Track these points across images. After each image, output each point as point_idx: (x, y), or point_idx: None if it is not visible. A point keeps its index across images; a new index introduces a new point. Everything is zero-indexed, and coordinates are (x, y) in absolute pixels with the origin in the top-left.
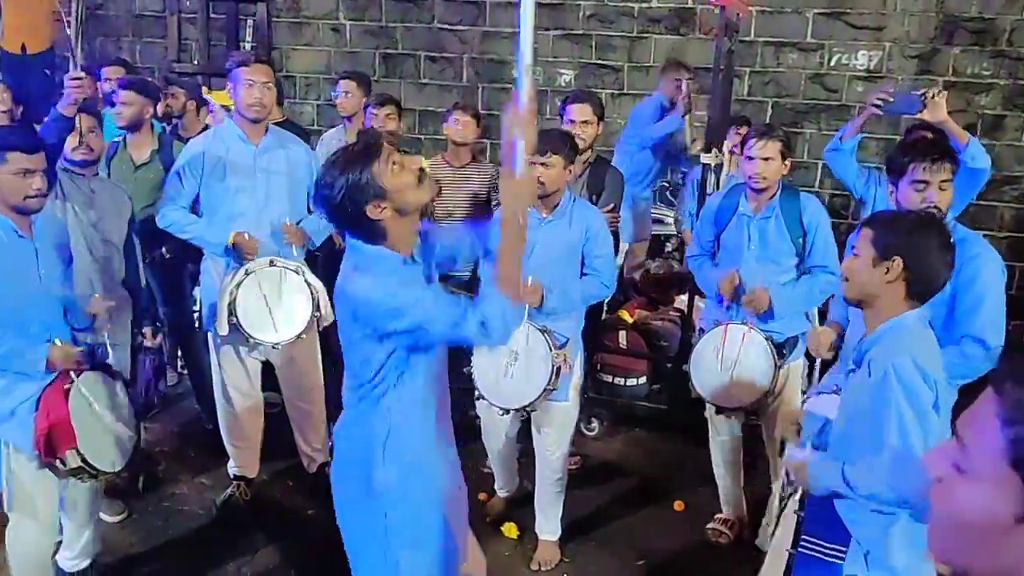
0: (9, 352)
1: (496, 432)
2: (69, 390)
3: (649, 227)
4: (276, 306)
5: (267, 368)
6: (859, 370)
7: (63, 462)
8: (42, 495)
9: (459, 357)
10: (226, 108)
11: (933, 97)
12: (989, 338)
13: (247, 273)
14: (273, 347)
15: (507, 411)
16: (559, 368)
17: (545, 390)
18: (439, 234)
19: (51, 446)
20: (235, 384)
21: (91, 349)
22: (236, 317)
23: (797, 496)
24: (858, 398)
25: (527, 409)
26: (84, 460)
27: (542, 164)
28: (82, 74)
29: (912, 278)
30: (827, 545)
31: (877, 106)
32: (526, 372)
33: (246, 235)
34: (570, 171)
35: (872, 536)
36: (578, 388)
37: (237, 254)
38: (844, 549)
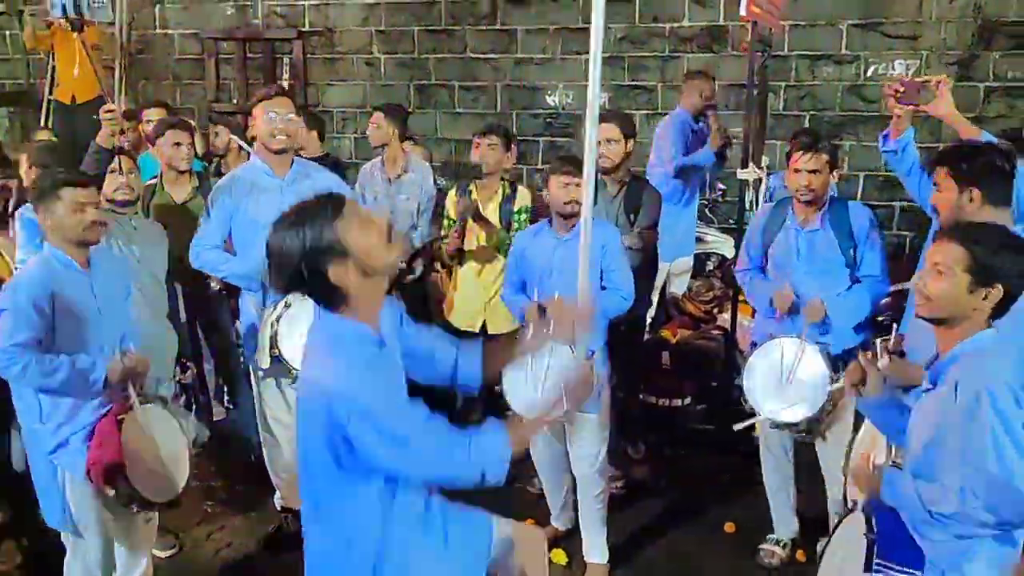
0: (67, 379)
1: (541, 451)
2: (123, 420)
3: (690, 246)
4: None
5: None
6: (936, 390)
7: (116, 491)
8: (97, 523)
9: None
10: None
11: (938, 86)
12: None
13: (287, 306)
14: None
15: None
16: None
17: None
18: (418, 332)
19: (102, 475)
20: (277, 417)
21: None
22: (279, 350)
23: (858, 515)
24: (939, 420)
25: (558, 422)
26: (134, 490)
27: (577, 185)
28: (114, 107)
29: (1007, 302)
30: (901, 569)
31: (893, 96)
32: (554, 383)
33: None
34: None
35: (949, 557)
36: (608, 402)
37: (271, 288)
38: (918, 573)
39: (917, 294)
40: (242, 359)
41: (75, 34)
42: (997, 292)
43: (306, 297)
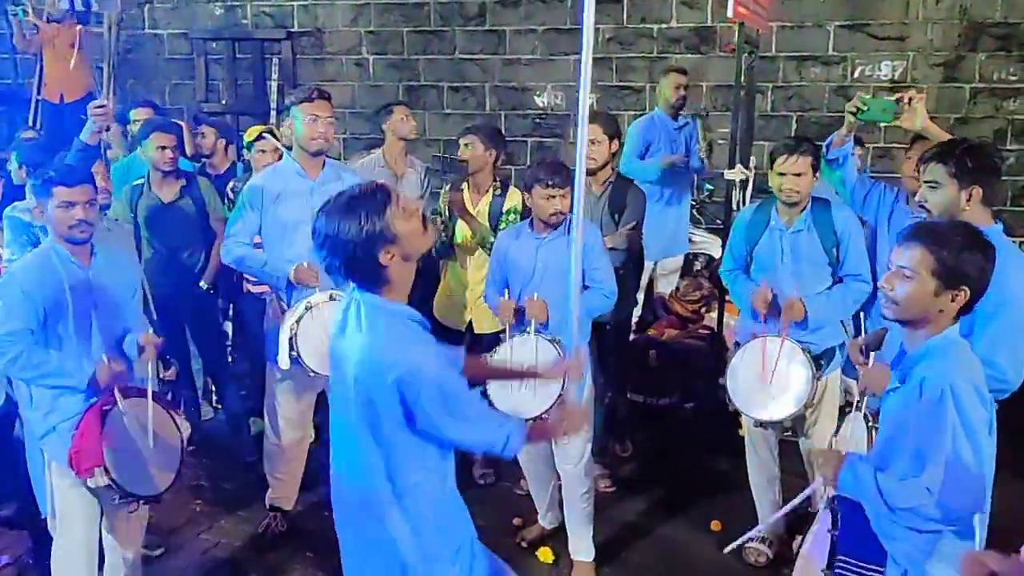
0: (57, 369)
1: (531, 452)
2: (109, 411)
3: (680, 245)
4: None
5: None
6: (903, 387)
7: (95, 482)
8: (81, 513)
9: None
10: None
11: (910, 102)
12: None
13: (307, 308)
14: None
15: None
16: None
17: (560, 396)
18: None
19: (82, 464)
20: (288, 417)
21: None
22: (297, 351)
23: (824, 510)
24: (904, 415)
25: (543, 417)
26: (113, 480)
27: (562, 196)
28: (105, 102)
29: (972, 302)
30: (863, 565)
31: (852, 113)
32: (540, 382)
33: (307, 264)
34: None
35: (911, 554)
36: (590, 400)
37: (298, 287)
38: (881, 569)
39: (883, 297)
40: (230, 359)
41: (79, 26)
42: (964, 294)
43: (331, 298)
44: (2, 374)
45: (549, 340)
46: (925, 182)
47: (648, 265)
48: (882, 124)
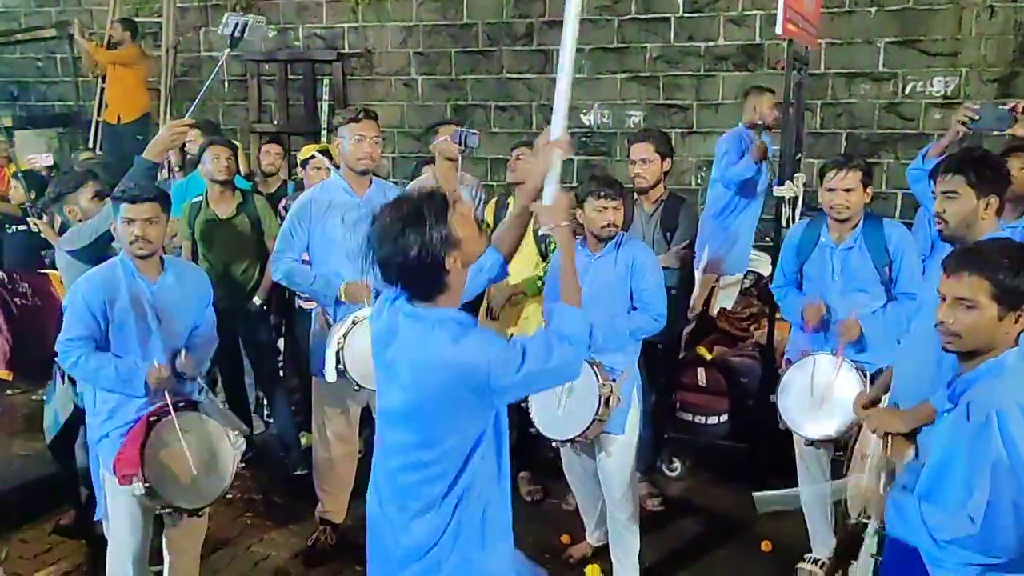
0: (115, 375)
1: (573, 467)
2: (156, 422)
3: (744, 262)
4: None
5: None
6: (955, 410)
7: (135, 489)
8: (129, 518)
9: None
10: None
11: (1020, 111)
12: None
13: (354, 322)
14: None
15: (563, 443)
16: (607, 398)
17: (594, 420)
18: None
19: (121, 470)
20: (336, 431)
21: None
22: (344, 365)
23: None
24: (953, 441)
25: (578, 440)
26: (150, 489)
27: (614, 208)
28: (190, 122)
29: None
30: None
31: (963, 123)
32: (577, 404)
33: (359, 281)
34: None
35: None
36: (638, 422)
37: (346, 304)
38: None
39: (943, 332)
40: (280, 373)
41: (227, 52)
42: None
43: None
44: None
45: (588, 362)
46: (942, 192)
47: (710, 279)
48: (995, 132)
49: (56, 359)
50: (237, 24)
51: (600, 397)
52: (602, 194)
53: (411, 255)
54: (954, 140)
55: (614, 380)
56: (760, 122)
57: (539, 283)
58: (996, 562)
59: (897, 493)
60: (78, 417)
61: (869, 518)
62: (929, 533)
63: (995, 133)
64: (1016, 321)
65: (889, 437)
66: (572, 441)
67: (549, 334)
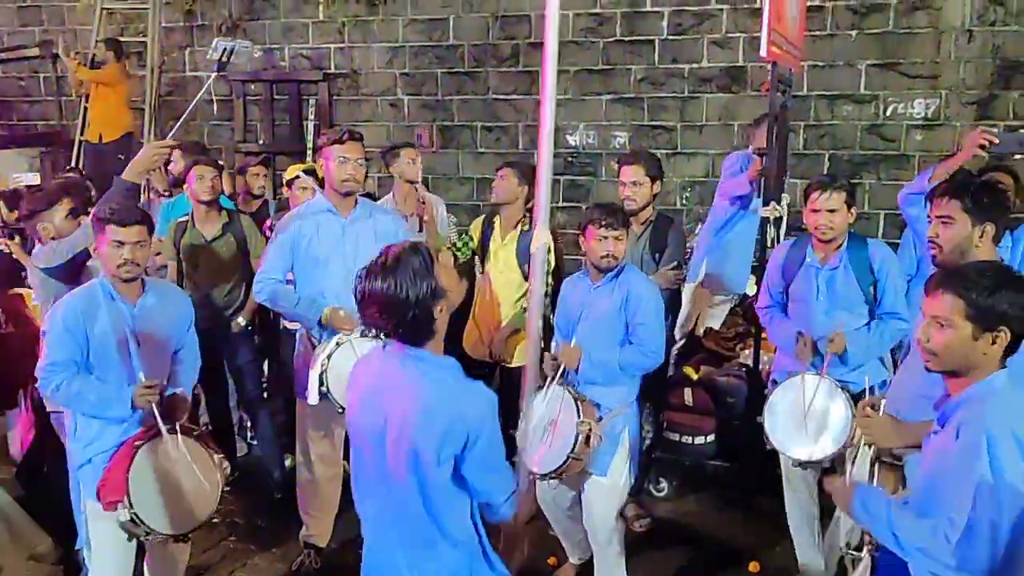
0: (98, 399)
1: (546, 501)
2: (140, 446)
3: (735, 281)
4: None
5: None
6: (943, 432)
7: (119, 515)
8: (111, 546)
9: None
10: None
11: None
12: None
13: (338, 344)
14: None
15: (539, 476)
16: (587, 436)
17: (569, 457)
18: None
19: (106, 495)
20: (320, 453)
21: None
22: (327, 387)
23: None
24: (939, 461)
25: (551, 476)
26: (135, 515)
27: (615, 238)
28: (171, 143)
29: (1014, 341)
30: None
31: (983, 147)
32: (558, 438)
33: (341, 312)
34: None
35: None
36: (625, 466)
37: (330, 328)
38: None
39: (922, 350)
40: (264, 395)
41: (213, 75)
42: (1004, 335)
43: (364, 337)
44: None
45: (574, 397)
46: (937, 217)
47: (705, 294)
48: (1017, 156)
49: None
50: (225, 49)
51: (578, 435)
52: (603, 223)
53: (407, 311)
54: (965, 162)
55: (600, 417)
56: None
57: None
58: None
59: (864, 487)
60: (42, 443)
61: (859, 548)
62: (892, 531)
63: (1017, 157)
64: (993, 342)
65: (877, 465)
66: (549, 476)
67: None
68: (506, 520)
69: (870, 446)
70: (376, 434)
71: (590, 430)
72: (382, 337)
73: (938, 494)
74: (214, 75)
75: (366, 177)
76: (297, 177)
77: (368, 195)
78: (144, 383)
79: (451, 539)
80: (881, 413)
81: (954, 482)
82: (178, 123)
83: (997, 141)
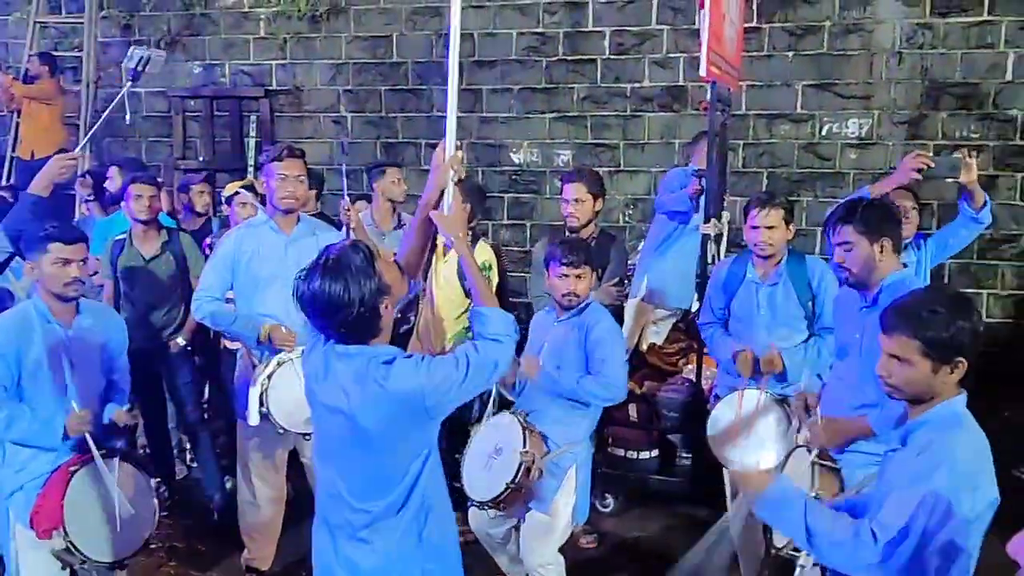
0: (31, 426)
1: (482, 529)
2: (75, 472)
3: (677, 297)
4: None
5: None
6: (903, 451)
7: (54, 544)
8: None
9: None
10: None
11: (965, 159)
12: None
13: (279, 364)
14: (305, 437)
15: (476, 504)
16: (527, 468)
17: (507, 487)
18: None
19: (41, 523)
20: (262, 475)
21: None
22: (267, 407)
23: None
24: (897, 479)
25: (488, 505)
26: (71, 544)
27: (576, 276)
28: (77, 155)
29: (971, 367)
30: None
31: (920, 171)
32: (501, 466)
33: (283, 328)
34: (594, 278)
35: None
36: (567, 507)
37: (271, 346)
38: None
39: (883, 382)
40: (204, 416)
41: (128, 83)
42: (963, 365)
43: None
44: None
45: (523, 427)
46: (838, 244)
47: (646, 308)
48: (948, 179)
49: None
50: (141, 58)
51: (520, 464)
52: (563, 261)
53: (352, 310)
54: (901, 184)
55: (548, 451)
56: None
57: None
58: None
59: (784, 479)
60: None
61: (797, 550)
62: (805, 519)
63: (948, 180)
64: (952, 371)
65: (816, 468)
66: (487, 505)
67: (476, 338)
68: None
69: (809, 450)
70: (323, 430)
71: (532, 461)
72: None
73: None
74: (128, 85)
75: (319, 197)
76: (237, 193)
77: (320, 215)
78: (78, 412)
79: (403, 523)
80: (818, 415)
81: (902, 490)
82: (87, 136)
83: (933, 165)
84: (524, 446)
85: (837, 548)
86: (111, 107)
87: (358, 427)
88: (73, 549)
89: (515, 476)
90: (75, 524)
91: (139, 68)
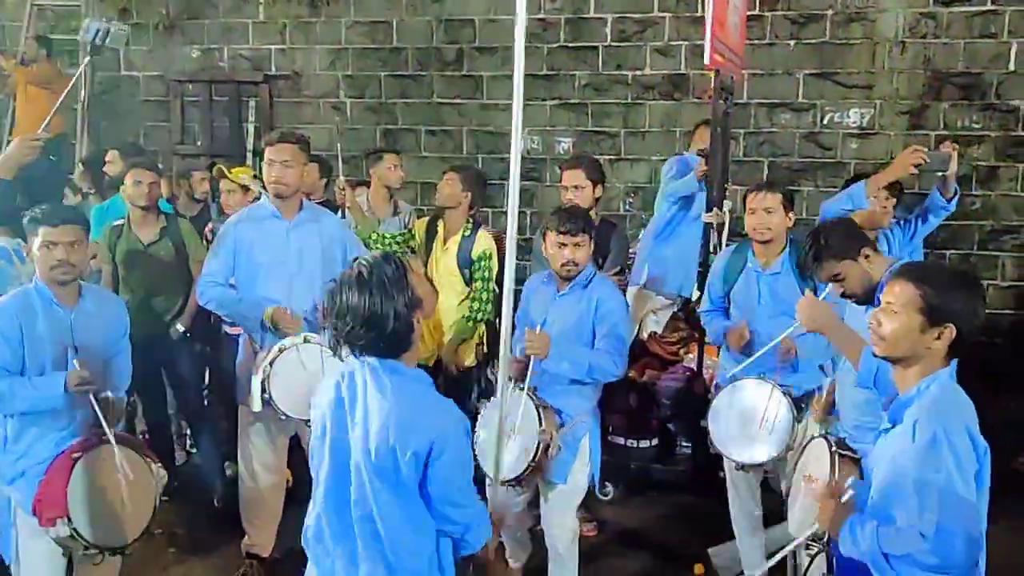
0: (35, 393)
1: (498, 501)
2: (78, 458)
3: (677, 284)
4: (311, 382)
5: None
6: (895, 429)
7: (57, 530)
8: (43, 563)
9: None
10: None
11: (950, 152)
12: None
13: (281, 350)
14: (307, 423)
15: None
16: (546, 445)
17: (528, 466)
18: None
19: (44, 511)
20: (264, 461)
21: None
22: (270, 394)
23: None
24: (897, 459)
25: (511, 483)
26: (75, 531)
27: (575, 244)
28: (43, 135)
29: (959, 340)
30: None
31: (917, 166)
32: (519, 446)
33: (288, 312)
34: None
35: None
36: (583, 473)
37: (275, 330)
38: None
39: (872, 334)
40: (205, 403)
41: (87, 59)
42: (950, 332)
43: (305, 340)
44: None
45: (536, 405)
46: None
47: (649, 296)
48: (938, 173)
49: None
50: (98, 31)
51: (539, 443)
52: (561, 229)
53: (388, 325)
54: (898, 177)
55: (562, 425)
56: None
57: (470, 324)
58: None
59: (856, 519)
60: None
61: (815, 540)
62: (881, 550)
63: (938, 173)
64: (938, 338)
65: (836, 457)
66: (509, 483)
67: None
68: (475, 551)
69: (825, 437)
70: (344, 449)
71: (551, 439)
72: (322, 343)
73: (902, 494)
74: (87, 61)
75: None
76: (223, 177)
77: (326, 203)
78: (79, 367)
79: (424, 544)
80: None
81: (920, 480)
82: (51, 114)
83: (928, 160)
84: (540, 425)
85: (906, 561)
86: (68, 87)
87: (382, 441)
88: (77, 536)
89: (535, 455)
90: (78, 511)
91: (98, 42)
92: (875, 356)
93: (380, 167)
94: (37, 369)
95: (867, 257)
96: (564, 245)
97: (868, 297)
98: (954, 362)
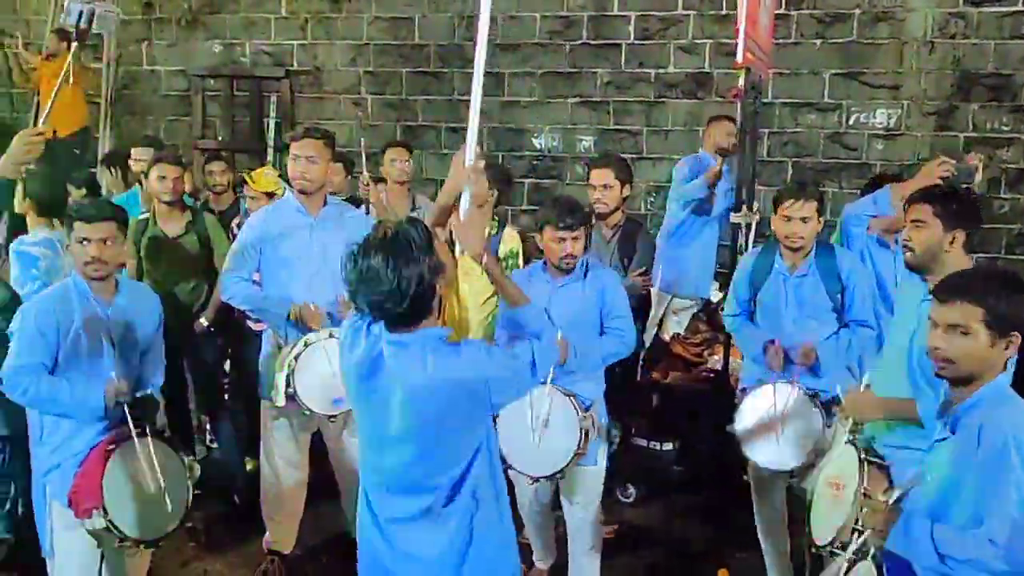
0: (72, 399)
1: (529, 501)
2: (112, 451)
3: (691, 286)
4: (334, 377)
5: None
6: (955, 437)
7: (93, 522)
8: (78, 554)
9: None
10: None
11: (977, 164)
12: None
13: (306, 345)
14: (330, 419)
15: (537, 479)
16: (587, 431)
17: (575, 454)
18: None
19: (80, 503)
20: (285, 457)
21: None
22: (294, 388)
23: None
24: (960, 465)
25: (558, 477)
26: (111, 523)
27: (574, 238)
28: (43, 129)
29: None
30: None
31: (944, 178)
32: (555, 438)
33: (312, 306)
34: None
35: None
36: (602, 453)
37: (299, 325)
38: None
39: (936, 358)
40: (225, 397)
41: (74, 45)
42: (1016, 340)
43: (330, 335)
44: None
45: (564, 394)
46: (911, 221)
47: (665, 298)
48: (964, 185)
49: None
50: (81, 13)
51: (581, 431)
52: (560, 224)
53: (411, 289)
54: (925, 187)
55: (587, 410)
56: (725, 147)
57: (493, 322)
58: None
59: (911, 514)
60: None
61: (842, 548)
62: (937, 550)
63: (964, 185)
64: (1006, 348)
65: (865, 464)
66: (553, 477)
67: (524, 338)
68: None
69: (853, 444)
70: (371, 419)
71: (592, 424)
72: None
73: (965, 499)
74: (74, 47)
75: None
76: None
77: (352, 198)
78: (117, 383)
79: (457, 512)
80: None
81: (988, 487)
82: (47, 109)
83: (956, 173)
84: (578, 413)
85: (969, 566)
86: (62, 76)
87: (411, 416)
88: (112, 528)
89: (579, 443)
90: (113, 503)
91: (83, 25)
92: (939, 376)
93: (384, 162)
94: (74, 363)
95: (953, 239)
96: (563, 239)
97: (921, 266)
98: (1012, 367)
